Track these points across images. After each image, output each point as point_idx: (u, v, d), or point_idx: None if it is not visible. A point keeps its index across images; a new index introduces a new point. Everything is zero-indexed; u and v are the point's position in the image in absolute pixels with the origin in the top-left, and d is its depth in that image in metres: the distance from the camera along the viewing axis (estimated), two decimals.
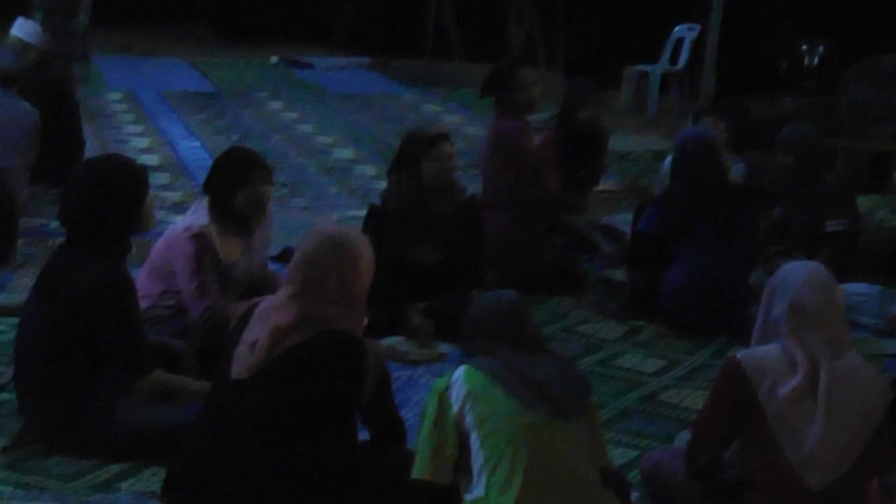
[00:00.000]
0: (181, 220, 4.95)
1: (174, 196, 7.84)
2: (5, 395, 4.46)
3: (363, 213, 7.33)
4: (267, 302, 3.55)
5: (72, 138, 7.97)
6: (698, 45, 11.96)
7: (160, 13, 17.47)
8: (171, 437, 3.73)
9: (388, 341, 5.00)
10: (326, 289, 3.43)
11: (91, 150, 8.42)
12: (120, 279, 3.92)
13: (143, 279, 4.70)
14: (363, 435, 3.58)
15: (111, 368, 3.94)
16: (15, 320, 5.19)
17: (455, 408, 3.27)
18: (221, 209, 4.77)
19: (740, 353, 3.40)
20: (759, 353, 3.37)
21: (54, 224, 6.98)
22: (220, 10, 17.30)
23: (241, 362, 3.43)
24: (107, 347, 3.90)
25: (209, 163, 8.68)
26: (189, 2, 17.50)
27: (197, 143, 9.66)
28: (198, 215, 4.74)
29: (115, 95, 11.95)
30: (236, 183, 4.74)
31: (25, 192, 7.11)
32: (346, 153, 9.60)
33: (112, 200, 3.94)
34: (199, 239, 4.65)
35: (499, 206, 5.92)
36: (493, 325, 3.41)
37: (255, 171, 4.78)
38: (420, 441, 3.33)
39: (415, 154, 5.41)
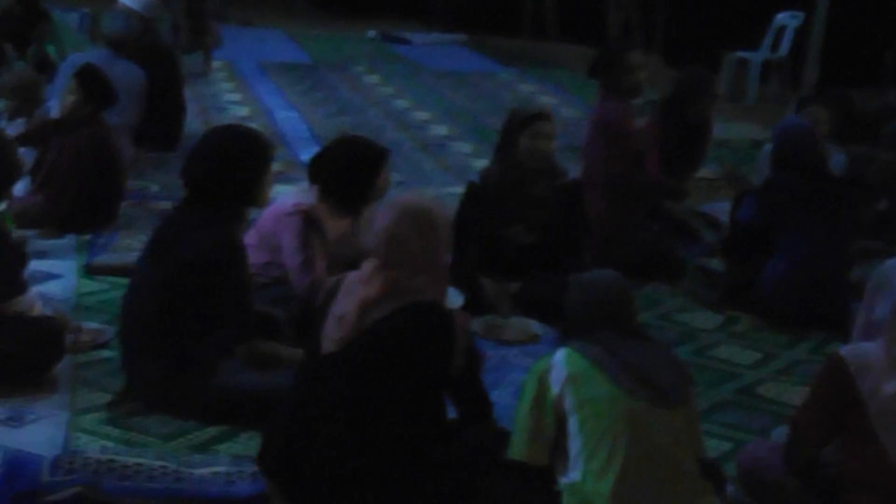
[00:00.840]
0: (287, 194, 5.00)
1: (273, 166, 7.87)
2: (107, 353, 4.58)
3: (459, 189, 7.41)
4: (353, 276, 3.58)
5: (174, 104, 8.11)
6: (801, 33, 11.75)
7: None
8: (267, 403, 3.78)
9: (483, 319, 5.00)
10: (409, 259, 3.46)
11: (191, 116, 8.57)
12: (235, 245, 3.99)
13: (248, 249, 4.76)
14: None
15: (215, 332, 3.99)
16: (117, 279, 5.41)
17: (554, 390, 3.25)
18: (343, 198, 4.78)
19: (844, 350, 3.35)
20: (863, 351, 3.32)
21: (155, 187, 7.13)
22: None
23: (331, 335, 3.46)
24: (215, 311, 3.96)
25: (307, 134, 8.96)
26: None
27: (295, 114, 9.73)
28: (307, 194, 4.78)
29: (215, 63, 12.06)
30: (372, 176, 4.77)
31: (129, 153, 7.24)
32: (441, 130, 9.60)
33: (235, 168, 4.00)
34: (307, 217, 4.70)
35: (599, 189, 5.89)
36: (595, 309, 3.39)
37: (384, 163, 4.83)
38: (518, 421, 3.31)
39: (514, 130, 5.39)
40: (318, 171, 4.85)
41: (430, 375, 3.39)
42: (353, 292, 3.48)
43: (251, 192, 4.08)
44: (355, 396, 3.35)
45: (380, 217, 3.59)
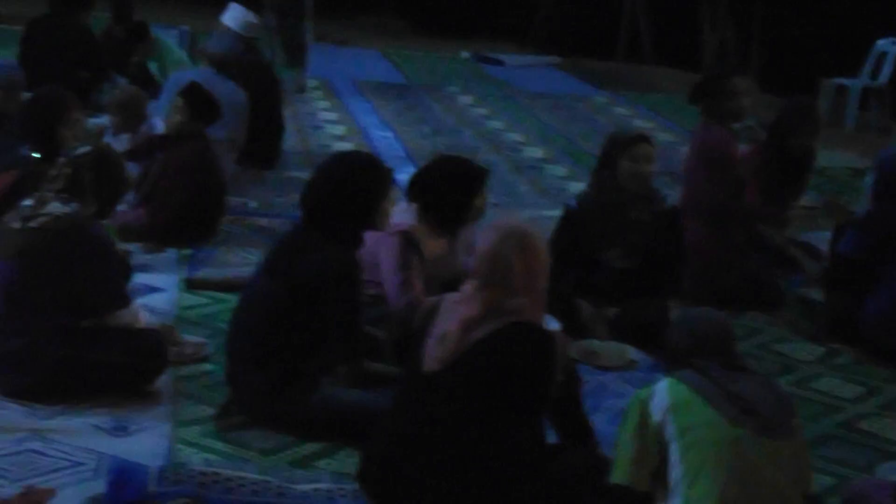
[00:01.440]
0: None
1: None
2: (208, 367, 4.66)
3: (554, 213, 7.41)
4: (453, 296, 3.62)
5: (273, 122, 8.22)
6: None
7: (354, 4, 17.82)
8: (367, 421, 3.82)
9: (579, 344, 5.00)
10: (511, 281, 3.48)
11: (288, 134, 8.69)
12: (352, 267, 4.05)
13: None
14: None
15: (320, 349, 4.05)
16: (217, 294, 5.51)
17: (656, 418, 3.26)
18: (443, 218, 4.82)
19: None
20: None
21: (254, 203, 7.24)
22: (413, 3, 17.52)
23: (432, 355, 3.49)
24: (325, 329, 4.02)
25: (402, 154, 9.03)
26: None
27: (390, 134, 9.81)
28: (406, 213, 4.83)
29: (312, 82, 12.21)
30: (471, 195, 4.81)
31: (230, 169, 7.36)
32: (536, 152, 9.62)
33: (354, 194, 4.09)
34: (406, 237, 4.74)
35: (699, 215, 5.85)
36: (700, 342, 3.38)
37: (484, 182, 4.86)
38: (620, 447, 3.32)
39: (613, 153, 5.37)
40: (417, 190, 4.90)
41: (530, 396, 3.42)
42: (454, 312, 3.51)
43: (370, 216, 4.16)
44: (456, 416, 3.39)
45: (481, 238, 3.62)
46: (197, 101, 6.35)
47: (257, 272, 4.28)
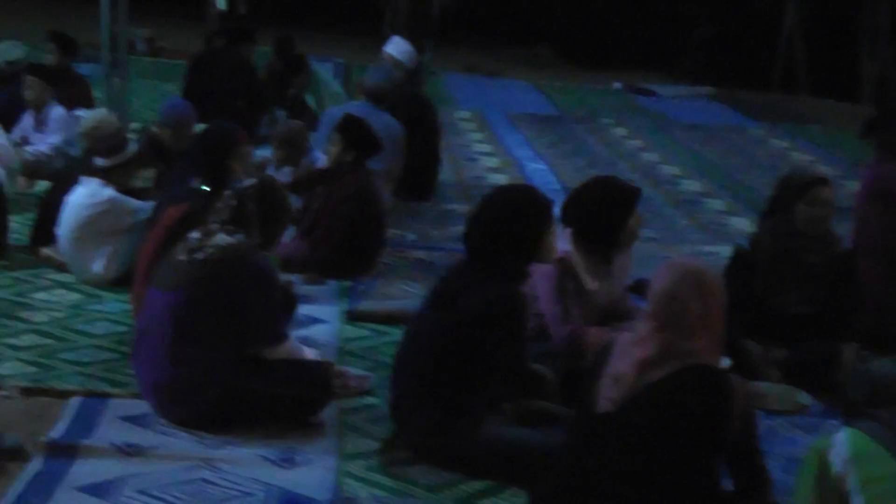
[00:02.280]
0: None
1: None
2: (372, 400, 4.66)
3: (715, 248, 7.30)
4: (628, 335, 3.55)
5: (430, 154, 8.26)
6: None
7: (505, 35, 17.90)
8: (533, 460, 3.79)
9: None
10: (688, 322, 3.41)
11: (443, 167, 8.71)
12: (518, 303, 4.02)
13: None
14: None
15: (486, 386, 4.02)
16: (378, 326, 5.52)
17: (837, 469, 3.16)
18: (596, 241, 4.79)
19: None
20: None
21: (412, 236, 7.27)
22: (564, 34, 17.52)
23: (606, 395, 3.44)
24: (491, 364, 3.99)
25: (557, 187, 8.97)
26: (533, 26, 17.82)
27: (543, 166, 9.78)
28: (561, 241, 4.78)
29: (464, 113, 12.29)
30: (622, 217, 4.75)
31: (388, 200, 7.40)
32: (693, 185, 9.47)
33: (519, 229, 4.05)
34: (563, 265, 4.70)
35: (872, 254, 5.65)
36: (881, 393, 3.28)
37: (636, 203, 4.80)
38: (798, 498, 3.24)
39: (790, 197, 5.20)
40: (571, 213, 4.85)
41: (706, 441, 3.35)
42: (628, 353, 3.45)
43: (535, 250, 4.13)
44: (629, 459, 3.34)
45: (656, 279, 3.54)
46: (353, 134, 6.40)
47: (422, 307, 4.27)
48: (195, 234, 4.35)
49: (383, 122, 7.38)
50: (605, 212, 4.76)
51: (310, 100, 10.11)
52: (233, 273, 4.25)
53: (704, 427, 3.33)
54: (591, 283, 4.81)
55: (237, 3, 19.50)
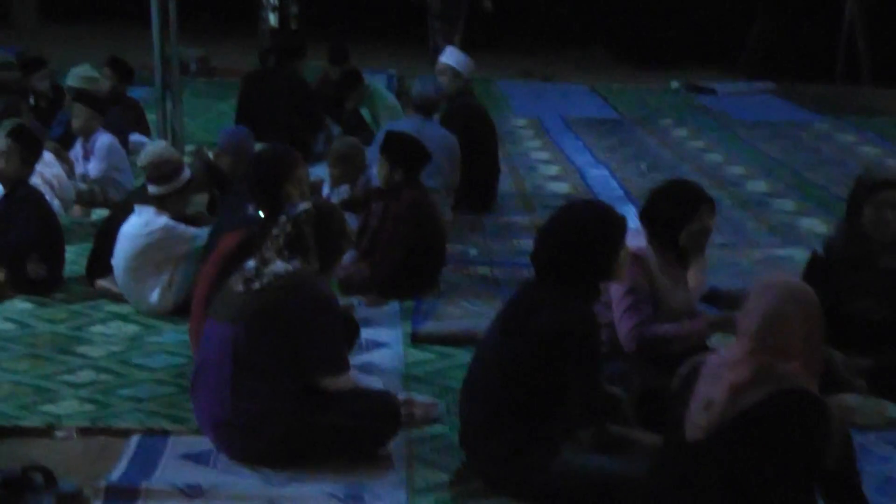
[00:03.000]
0: None
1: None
2: (440, 428, 4.50)
3: (787, 252, 7.05)
4: (717, 358, 3.41)
5: (489, 165, 8.09)
6: None
7: (558, 37, 17.69)
8: (614, 490, 3.67)
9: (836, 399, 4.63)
10: (789, 345, 3.28)
11: (503, 176, 8.52)
12: (592, 322, 3.85)
13: None
14: None
15: (560, 411, 3.84)
16: (443, 349, 5.36)
17: None
18: (662, 239, 4.64)
19: None
20: None
21: (473, 251, 7.10)
22: (618, 33, 17.27)
23: (695, 423, 3.31)
24: (564, 389, 3.82)
25: (620, 193, 8.76)
26: (587, 26, 17.60)
27: (605, 172, 9.55)
28: (637, 239, 4.61)
29: (521, 121, 12.10)
30: (683, 218, 4.59)
31: (448, 217, 7.25)
32: (759, 185, 9.18)
33: (592, 246, 3.89)
34: (636, 260, 4.54)
35: None
36: None
37: (703, 206, 4.62)
38: None
39: (859, 199, 5.01)
40: (646, 211, 4.73)
41: (804, 468, 3.22)
42: (719, 377, 3.30)
43: (608, 267, 3.95)
44: (723, 488, 3.22)
45: (757, 297, 3.37)
46: (397, 152, 6.23)
47: (490, 329, 4.10)
48: (251, 263, 4.23)
49: (437, 135, 7.25)
50: (676, 212, 4.62)
51: (365, 114, 9.97)
52: (291, 302, 4.13)
53: (803, 454, 3.20)
54: (664, 283, 4.64)
55: (288, 18, 19.56)
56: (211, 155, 6.77)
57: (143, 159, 6.27)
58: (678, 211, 4.63)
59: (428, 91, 7.50)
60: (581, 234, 3.91)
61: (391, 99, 10.23)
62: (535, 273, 4.01)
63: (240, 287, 4.19)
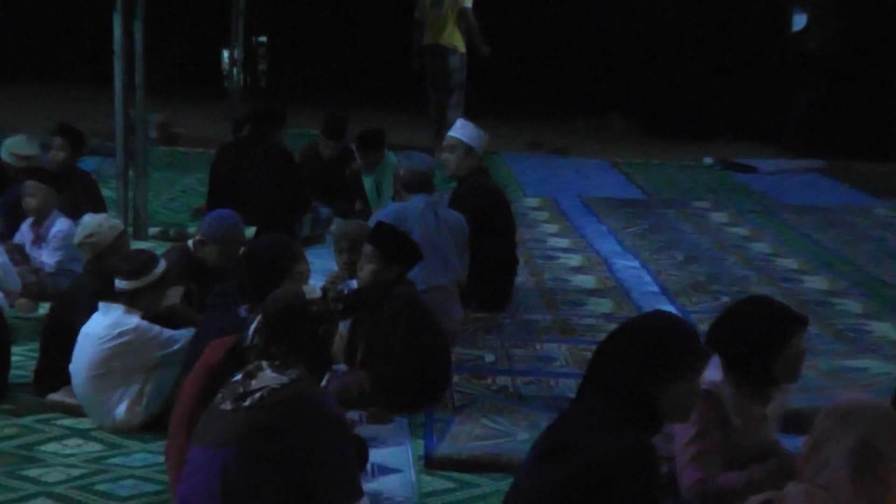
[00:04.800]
0: None
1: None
2: None
3: (858, 363, 6.96)
4: (794, 489, 3.38)
5: (506, 255, 8.05)
6: None
7: (570, 104, 17.79)
8: None
9: None
10: (882, 479, 3.28)
11: (520, 268, 8.47)
12: (653, 458, 3.71)
13: None
14: None
15: None
16: (462, 476, 5.29)
17: None
18: (748, 371, 4.55)
19: None
20: None
21: (490, 356, 7.02)
22: (639, 100, 17.37)
23: None
24: None
25: (655, 288, 8.72)
26: (603, 92, 17.71)
27: (635, 263, 9.53)
28: (711, 369, 4.52)
29: (533, 201, 12.11)
30: (774, 344, 4.52)
31: (458, 316, 7.18)
32: (818, 282, 9.13)
33: (661, 368, 3.76)
34: (710, 399, 4.46)
35: None
36: None
37: (797, 328, 4.56)
38: None
39: None
40: (721, 336, 4.64)
41: None
42: None
43: (668, 394, 3.82)
44: None
45: (836, 421, 3.29)
46: (395, 249, 6.18)
47: (530, 458, 4.00)
48: (237, 377, 4.15)
49: (450, 218, 7.25)
50: (756, 340, 4.53)
51: (366, 182, 9.97)
52: (291, 420, 4.04)
53: None
54: (738, 421, 4.56)
55: (257, 76, 19.66)
56: (190, 243, 6.70)
57: (80, 234, 6.22)
58: (768, 336, 4.55)
59: (419, 166, 7.48)
60: (654, 352, 3.79)
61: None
62: (588, 391, 3.91)
63: (227, 405, 4.10)
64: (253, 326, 4.22)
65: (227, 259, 6.27)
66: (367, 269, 6.20)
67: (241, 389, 4.11)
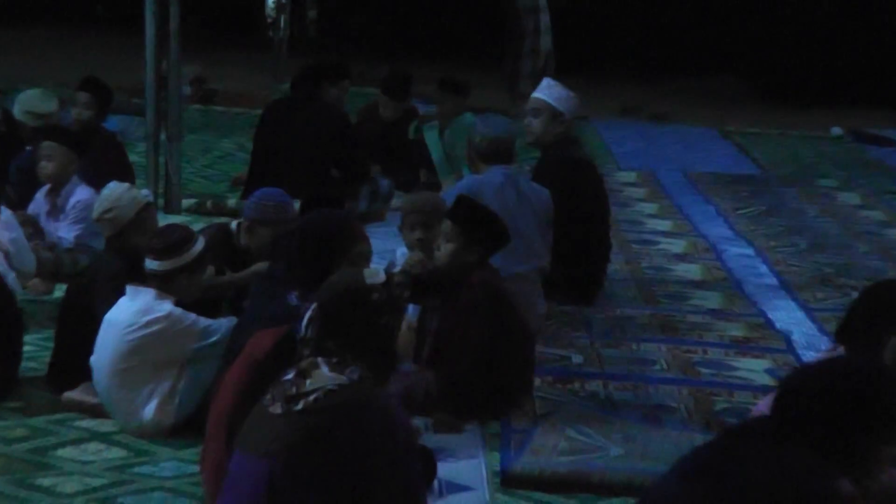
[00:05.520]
0: None
1: (733, 326, 7.66)
2: None
3: None
4: None
5: (598, 240, 8.06)
6: None
7: (672, 64, 17.75)
8: None
9: None
10: None
11: (613, 254, 8.46)
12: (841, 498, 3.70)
13: None
14: None
15: None
16: (544, 497, 5.32)
17: None
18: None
19: None
20: None
21: (577, 358, 7.03)
22: (756, 61, 17.28)
23: None
24: None
25: (773, 280, 8.68)
26: (713, 50, 17.65)
27: (749, 251, 9.55)
28: None
29: (628, 176, 12.14)
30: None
31: (541, 310, 7.16)
32: None
33: (868, 414, 3.74)
34: None
35: None
36: None
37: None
38: None
39: None
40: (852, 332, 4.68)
41: None
42: None
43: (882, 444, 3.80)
44: None
45: None
46: (480, 228, 6.15)
47: (667, 477, 3.96)
48: (289, 375, 4.17)
49: (535, 196, 7.25)
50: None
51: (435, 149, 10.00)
52: (350, 427, 4.06)
53: None
54: None
55: (305, 25, 19.77)
56: (233, 225, 6.75)
57: (97, 208, 6.27)
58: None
59: (500, 132, 7.46)
60: (858, 399, 3.75)
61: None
62: (778, 421, 3.86)
63: (277, 408, 4.13)
64: (307, 316, 4.23)
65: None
66: (444, 249, 6.20)
67: (293, 390, 4.14)
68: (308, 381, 4.14)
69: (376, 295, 4.30)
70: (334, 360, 4.18)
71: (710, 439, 4.00)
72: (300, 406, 4.12)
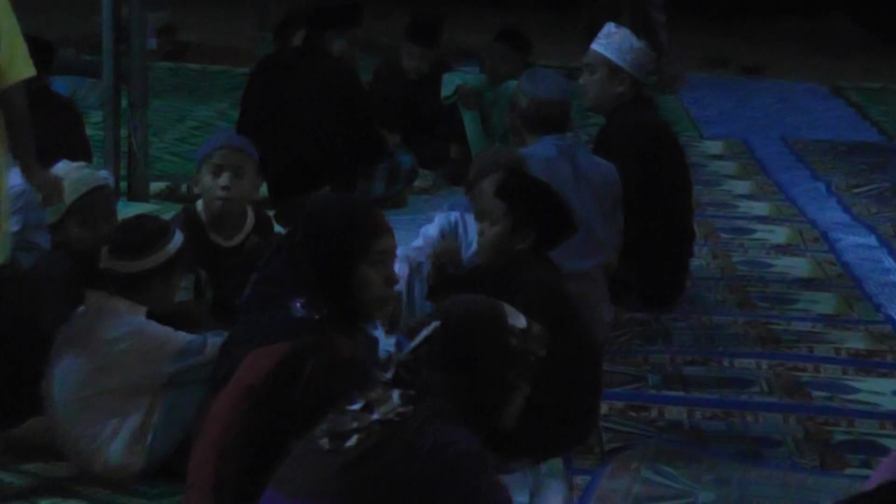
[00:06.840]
0: None
1: (851, 337, 7.69)
2: None
3: None
4: None
5: (678, 228, 8.10)
6: None
7: (767, 5, 17.80)
8: None
9: None
10: None
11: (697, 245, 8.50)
12: None
13: None
14: None
15: None
16: None
17: None
18: None
19: None
20: None
21: (654, 377, 7.11)
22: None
23: None
24: None
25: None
26: None
27: (870, 240, 9.63)
28: None
29: (714, 146, 12.19)
30: None
31: (608, 315, 7.20)
32: None
33: None
34: None
35: None
36: None
37: None
38: None
39: None
40: None
41: None
42: None
43: None
44: None
45: None
46: (534, 208, 6.16)
47: None
48: (355, 405, 4.20)
49: (596, 172, 7.33)
50: None
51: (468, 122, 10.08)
52: (417, 467, 4.09)
53: None
54: None
55: None
56: (200, 206, 6.84)
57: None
58: None
59: (551, 94, 7.49)
60: None
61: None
62: None
63: (324, 443, 4.18)
64: (423, 334, 4.24)
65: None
66: (487, 235, 6.21)
67: (353, 424, 4.18)
68: (367, 415, 4.17)
69: (514, 341, 4.33)
70: (411, 392, 4.19)
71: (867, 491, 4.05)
72: (353, 441, 4.14)
